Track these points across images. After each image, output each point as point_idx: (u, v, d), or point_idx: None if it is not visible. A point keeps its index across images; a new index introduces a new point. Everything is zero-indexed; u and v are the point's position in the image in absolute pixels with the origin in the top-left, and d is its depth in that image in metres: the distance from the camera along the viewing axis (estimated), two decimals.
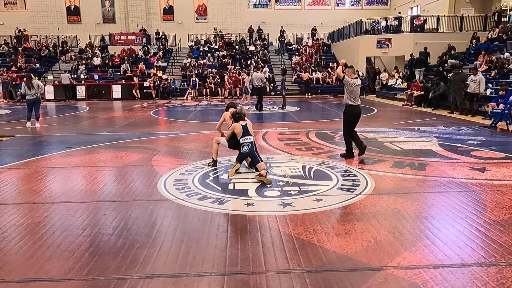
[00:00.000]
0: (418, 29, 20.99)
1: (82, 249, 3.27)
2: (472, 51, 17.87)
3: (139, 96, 20.81)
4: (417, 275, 2.80)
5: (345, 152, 6.65)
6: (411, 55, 19.26)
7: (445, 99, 14.17)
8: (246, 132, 5.55)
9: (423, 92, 15.05)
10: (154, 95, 20.93)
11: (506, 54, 14.95)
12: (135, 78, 21.23)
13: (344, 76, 6.44)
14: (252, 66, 23.12)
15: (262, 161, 5.46)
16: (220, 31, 27.51)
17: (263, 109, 14.39)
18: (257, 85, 14.06)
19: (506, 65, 14.18)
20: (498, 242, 3.33)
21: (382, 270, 2.88)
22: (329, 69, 23.41)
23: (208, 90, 21.48)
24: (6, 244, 3.40)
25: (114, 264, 3.01)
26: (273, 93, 20.90)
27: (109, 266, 2.97)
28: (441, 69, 16.77)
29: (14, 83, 20.18)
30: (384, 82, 21.20)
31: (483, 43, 17.52)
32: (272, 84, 20.95)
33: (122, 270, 2.92)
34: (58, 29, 27.83)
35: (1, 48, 25.67)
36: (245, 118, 5.74)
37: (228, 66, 23.47)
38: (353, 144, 6.60)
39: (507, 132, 9.26)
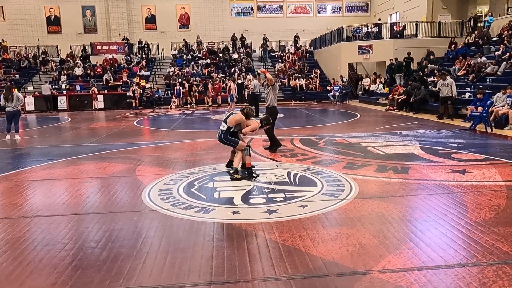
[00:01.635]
0: (398, 35, 21.47)
1: (65, 263, 3.20)
2: (450, 56, 18.34)
3: (97, 107, 20.63)
4: (401, 278, 2.83)
5: (273, 145, 7.63)
6: (390, 60, 19.66)
7: (426, 103, 14.47)
8: (225, 120, 5.80)
9: (405, 96, 15.33)
10: (134, 105, 20.64)
11: (483, 58, 15.39)
12: (93, 89, 21.10)
13: (274, 82, 7.76)
14: (236, 73, 23.21)
15: (237, 143, 5.71)
16: (198, 38, 27.56)
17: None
18: (256, 92, 14.58)
19: (483, 69, 14.59)
20: (479, 242, 3.40)
21: (368, 274, 2.91)
22: (312, 76, 23.67)
23: (193, 98, 21.39)
24: None
25: (98, 277, 2.96)
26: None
27: (93, 280, 2.92)
28: (421, 74, 17.13)
29: None
30: (366, 88, 21.54)
31: (461, 48, 18.00)
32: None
33: (106, 283, 2.87)
34: (38, 39, 27.45)
35: None
36: (247, 114, 5.83)
37: (212, 74, 23.50)
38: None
39: (486, 134, 9.50)
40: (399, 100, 15.64)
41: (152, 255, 3.32)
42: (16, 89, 11.38)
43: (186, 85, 21.49)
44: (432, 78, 15.88)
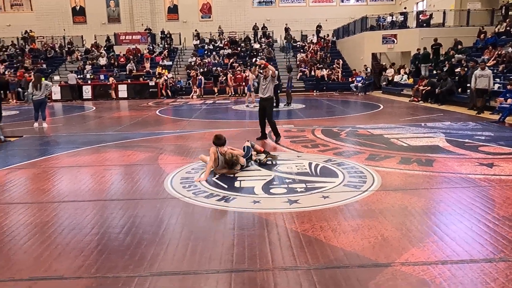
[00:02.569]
0: (424, 24, 20.83)
1: (91, 247, 3.29)
2: (479, 46, 17.69)
3: (116, 97, 20.90)
4: (425, 271, 2.78)
5: (261, 135, 7.95)
6: (418, 49, 19.09)
7: (452, 94, 14.05)
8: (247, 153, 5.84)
9: (429, 88, 14.92)
10: (165, 94, 20.96)
11: None
12: (111, 79, 21.39)
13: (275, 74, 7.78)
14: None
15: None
16: (219, 28, 27.56)
17: (279, 106, 14.51)
18: (275, 82, 14.18)
19: None
20: (507, 237, 3.30)
21: (390, 266, 2.87)
22: (334, 66, 23.33)
23: (217, 88, 21.48)
24: (16, 243, 3.44)
25: (122, 262, 3.03)
26: (279, 91, 20.91)
27: (117, 264, 2.99)
28: (448, 64, 16.60)
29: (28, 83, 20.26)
30: (390, 78, 21.06)
31: (491, 38, 17.33)
32: (278, 82, 21.03)
33: (130, 268, 2.94)
34: (64, 29, 28.03)
35: (8, 49, 25.89)
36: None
37: (234, 65, 23.47)
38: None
39: None
40: (424, 91, 15.24)
41: (174, 242, 3.37)
42: (43, 78, 11.71)
43: (230, 76, 21.52)
44: (458, 69, 15.37)
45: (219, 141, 5.49)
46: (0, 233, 3.63)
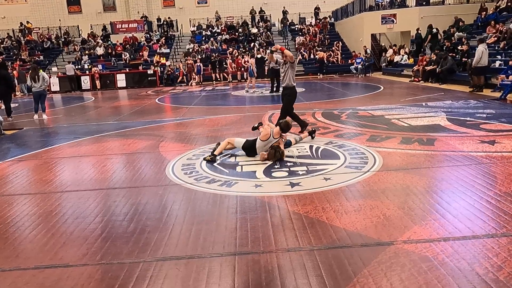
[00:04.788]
0: (424, 3, 20.54)
1: (95, 235, 3.32)
2: (480, 23, 17.46)
3: (99, 87, 20.66)
4: (427, 249, 2.80)
5: (304, 127, 6.76)
6: (417, 29, 18.85)
7: (453, 73, 13.93)
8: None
9: (435, 66, 14.65)
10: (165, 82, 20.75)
11: None
12: (94, 68, 21.12)
13: (294, 59, 6.66)
14: (255, 48, 22.89)
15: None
16: (216, 13, 27.20)
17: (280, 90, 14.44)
18: (276, 67, 14.03)
19: None
20: (509, 213, 3.30)
21: (392, 244, 2.88)
22: (333, 48, 23.09)
23: (220, 74, 21.31)
24: (21, 233, 3.46)
25: (127, 248, 3.05)
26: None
27: (122, 251, 3.02)
28: (447, 43, 16.39)
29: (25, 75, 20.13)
30: (389, 59, 20.86)
31: (492, 14, 17.09)
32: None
33: (134, 254, 2.96)
34: (60, 20, 27.74)
35: (4, 42, 25.69)
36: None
37: (234, 52, 23.24)
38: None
39: None
40: (428, 70, 15.04)
41: (178, 227, 3.39)
42: (41, 70, 11.64)
43: (229, 61, 21.30)
44: (460, 47, 15.18)
45: (287, 128, 5.46)
46: (5, 224, 3.66)
